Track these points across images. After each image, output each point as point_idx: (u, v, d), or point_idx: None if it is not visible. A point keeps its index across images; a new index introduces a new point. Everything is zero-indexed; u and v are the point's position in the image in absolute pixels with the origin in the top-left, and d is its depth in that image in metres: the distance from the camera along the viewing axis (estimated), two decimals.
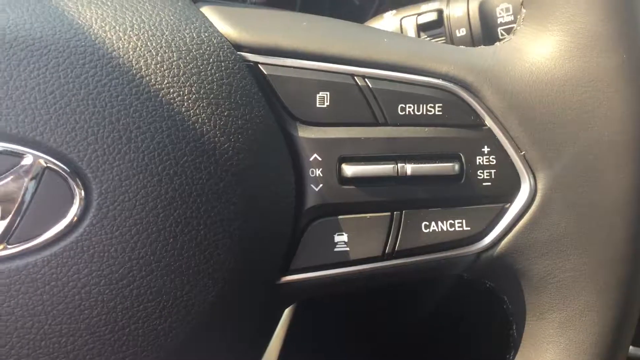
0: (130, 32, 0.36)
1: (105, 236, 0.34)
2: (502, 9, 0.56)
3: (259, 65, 0.39)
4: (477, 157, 0.40)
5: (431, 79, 0.40)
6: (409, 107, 0.39)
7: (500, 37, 0.56)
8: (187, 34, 0.38)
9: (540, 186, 0.39)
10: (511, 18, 0.55)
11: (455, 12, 0.57)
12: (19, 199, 0.34)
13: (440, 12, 0.57)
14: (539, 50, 0.40)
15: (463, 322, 0.59)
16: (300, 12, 0.81)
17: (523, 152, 0.39)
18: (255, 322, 0.41)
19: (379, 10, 0.77)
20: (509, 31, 0.55)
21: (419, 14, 0.58)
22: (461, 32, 0.56)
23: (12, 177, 0.34)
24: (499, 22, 0.56)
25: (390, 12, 0.60)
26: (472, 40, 0.56)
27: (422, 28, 0.57)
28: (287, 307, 0.42)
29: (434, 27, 0.57)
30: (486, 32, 0.56)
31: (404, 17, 0.58)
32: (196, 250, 0.36)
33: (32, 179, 0.34)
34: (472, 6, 0.56)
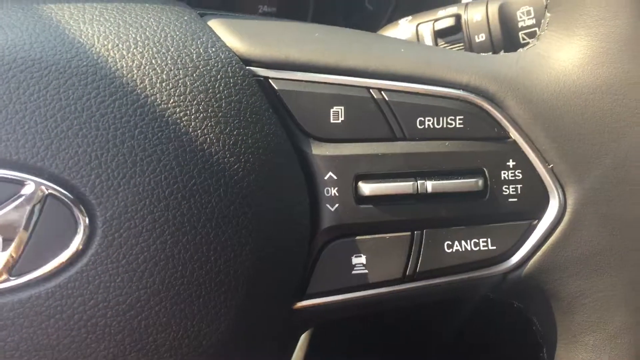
0: (134, 50, 0.35)
1: (111, 265, 0.33)
2: (523, 12, 0.53)
3: (270, 80, 0.37)
4: (502, 172, 0.38)
5: (451, 90, 0.38)
6: (429, 120, 0.37)
7: (522, 41, 0.53)
8: (194, 49, 0.36)
9: (570, 201, 0.37)
10: (533, 21, 0.53)
11: (474, 17, 0.55)
12: (21, 229, 0.32)
13: (458, 17, 0.55)
14: (565, 56, 0.38)
15: (490, 344, 0.57)
16: (314, 18, 0.80)
17: (551, 165, 0.37)
18: (271, 350, 0.39)
19: (393, 16, 0.75)
20: (530, 35, 0.53)
21: (435, 20, 0.56)
22: (480, 38, 0.54)
23: (13, 205, 0.32)
24: (520, 25, 0.54)
25: (405, 18, 0.58)
26: (492, 46, 0.54)
27: (439, 34, 0.55)
28: (303, 333, 0.40)
29: (452, 33, 0.55)
30: (507, 36, 0.54)
31: (420, 23, 0.56)
32: (206, 277, 0.34)
33: (34, 207, 0.32)
34: (491, 10, 0.54)
